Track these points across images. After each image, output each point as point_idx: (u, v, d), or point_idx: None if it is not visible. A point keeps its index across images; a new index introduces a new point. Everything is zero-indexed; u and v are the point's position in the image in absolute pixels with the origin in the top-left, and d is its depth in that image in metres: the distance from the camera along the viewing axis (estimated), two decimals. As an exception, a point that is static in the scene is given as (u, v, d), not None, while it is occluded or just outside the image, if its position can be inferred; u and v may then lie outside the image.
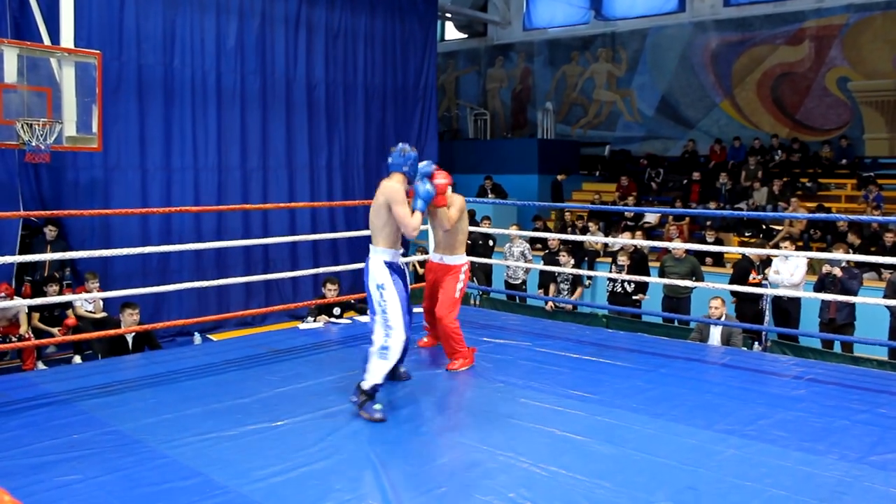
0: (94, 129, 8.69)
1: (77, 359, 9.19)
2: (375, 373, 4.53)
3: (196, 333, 10.65)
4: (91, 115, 8.63)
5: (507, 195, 15.61)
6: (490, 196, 15.02)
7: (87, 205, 10.42)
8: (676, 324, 9.15)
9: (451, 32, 21.32)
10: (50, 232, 9.96)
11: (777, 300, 8.98)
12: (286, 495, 3.51)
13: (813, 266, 10.10)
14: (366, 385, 4.51)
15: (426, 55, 15.38)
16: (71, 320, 9.47)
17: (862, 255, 9.19)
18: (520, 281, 11.39)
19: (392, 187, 4.75)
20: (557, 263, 10.19)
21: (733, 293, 9.31)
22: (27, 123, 7.92)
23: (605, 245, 12.81)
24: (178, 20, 11.40)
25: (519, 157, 17.42)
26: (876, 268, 10.60)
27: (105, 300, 9.66)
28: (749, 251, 9.21)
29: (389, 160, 4.95)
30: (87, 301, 9.51)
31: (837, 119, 15.18)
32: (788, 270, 8.92)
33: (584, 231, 13.05)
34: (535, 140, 18.00)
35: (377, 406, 4.51)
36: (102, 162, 10.59)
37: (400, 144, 5.02)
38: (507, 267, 11.32)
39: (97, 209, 10.30)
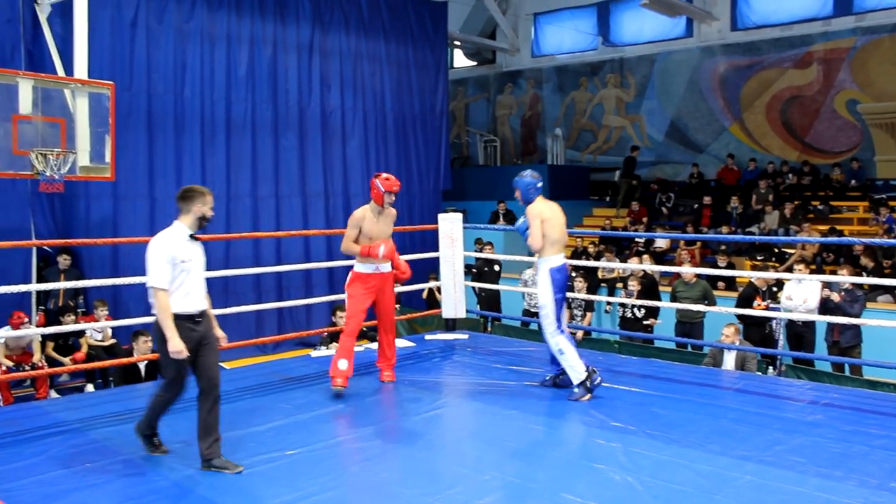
0: (108, 158, 8.77)
1: (90, 387, 9.18)
2: None
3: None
4: (104, 144, 8.71)
5: (518, 221, 15.56)
6: (501, 222, 15.00)
7: (97, 234, 10.46)
8: (689, 349, 9.08)
9: (461, 60, 21.45)
10: (63, 261, 9.99)
11: (791, 324, 8.91)
12: (299, 524, 3.49)
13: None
14: None
15: (438, 81, 15.47)
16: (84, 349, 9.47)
17: (864, 278, 9.15)
18: (541, 309, 11.30)
19: None
20: (572, 289, 10.13)
21: (739, 318, 9.22)
22: (41, 154, 7.99)
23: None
24: (189, 50, 11.50)
25: (529, 184, 17.41)
26: (891, 290, 10.52)
27: (116, 328, 9.66)
28: (759, 275, 9.14)
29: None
30: (96, 330, 9.50)
31: (847, 141, 15.15)
32: (802, 296, 8.83)
33: (599, 257, 13.01)
34: (545, 166, 18.00)
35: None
36: (112, 191, 10.65)
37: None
38: (527, 294, 11.19)
39: (107, 238, 10.34)
